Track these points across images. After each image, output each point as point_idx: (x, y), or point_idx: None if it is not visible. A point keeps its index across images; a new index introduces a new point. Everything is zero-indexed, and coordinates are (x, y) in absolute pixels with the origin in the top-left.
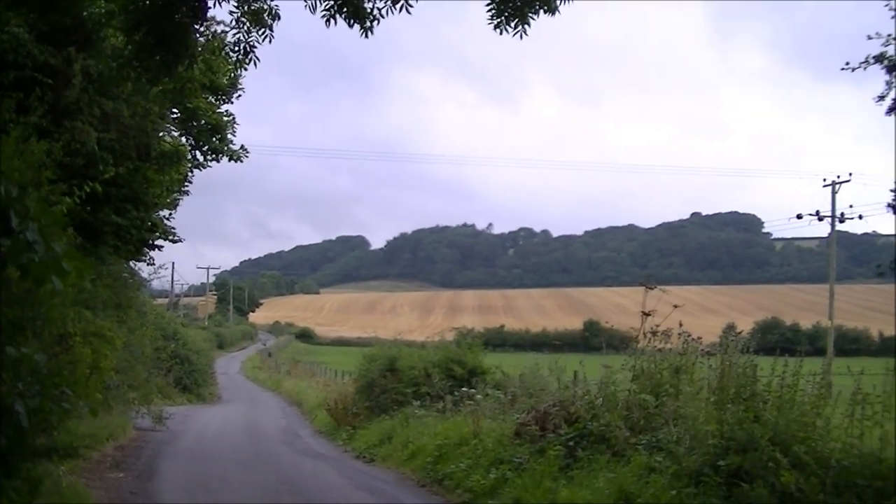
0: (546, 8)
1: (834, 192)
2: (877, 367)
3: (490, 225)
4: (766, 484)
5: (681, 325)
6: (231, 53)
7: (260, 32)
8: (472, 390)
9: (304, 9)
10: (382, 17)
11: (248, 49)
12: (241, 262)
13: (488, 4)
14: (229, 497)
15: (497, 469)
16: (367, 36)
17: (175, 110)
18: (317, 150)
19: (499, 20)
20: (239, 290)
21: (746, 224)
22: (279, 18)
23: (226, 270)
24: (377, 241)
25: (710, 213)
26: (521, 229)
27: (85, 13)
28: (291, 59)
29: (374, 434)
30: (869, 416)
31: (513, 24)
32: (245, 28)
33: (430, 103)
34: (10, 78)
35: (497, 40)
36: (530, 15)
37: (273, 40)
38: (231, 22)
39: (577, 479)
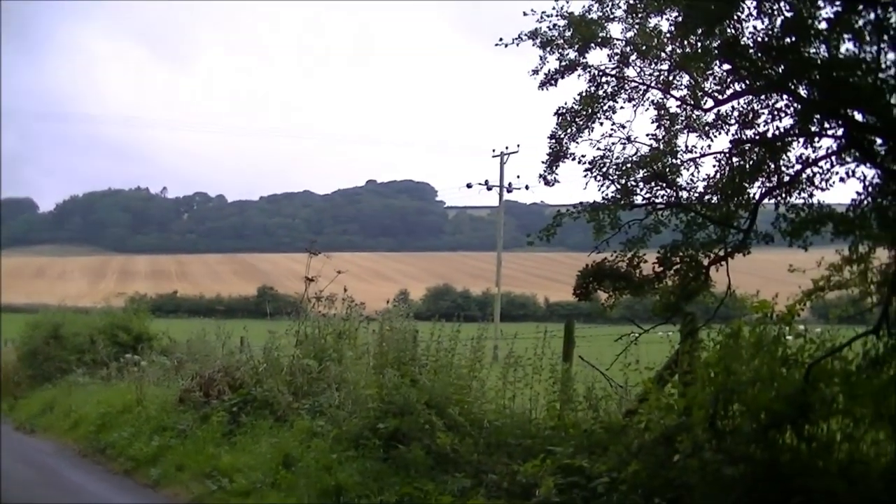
0: None
1: (502, 163)
2: (539, 331)
3: (164, 189)
4: (422, 445)
5: (345, 290)
6: None
7: None
8: (137, 356)
9: None
10: None
11: None
12: None
13: None
14: None
15: (160, 436)
16: None
17: None
18: None
19: None
20: None
21: (420, 192)
22: None
23: None
24: (46, 204)
25: (386, 181)
26: (197, 194)
27: None
28: None
29: (36, 404)
30: (521, 378)
31: None
32: None
33: (97, 61)
34: None
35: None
36: None
37: None
38: None
39: (241, 445)
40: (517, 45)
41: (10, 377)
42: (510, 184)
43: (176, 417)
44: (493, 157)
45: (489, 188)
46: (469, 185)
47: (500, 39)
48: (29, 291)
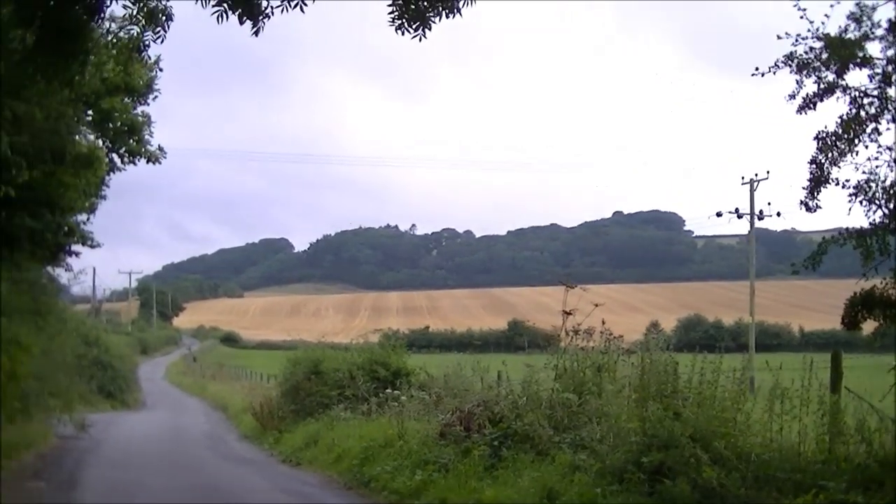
0: (448, 10)
1: (752, 190)
2: (797, 361)
3: (413, 226)
4: (688, 480)
5: (603, 323)
6: (123, 50)
7: (155, 31)
8: (397, 392)
9: (195, 4)
10: (271, 15)
11: (143, 47)
12: (163, 267)
13: (389, 6)
14: None
15: (423, 470)
16: (256, 34)
17: (90, 112)
18: (230, 152)
19: (399, 22)
20: (162, 294)
21: (668, 222)
22: (172, 20)
23: (148, 275)
24: (300, 244)
25: (632, 211)
26: (445, 230)
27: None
28: (195, 59)
29: (299, 437)
30: (788, 410)
31: (413, 27)
32: (140, 25)
33: (338, 101)
34: None
35: (400, 39)
36: (431, 18)
37: (165, 40)
38: (124, 16)
39: (502, 479)
40: (773, 73)
41: (274, 412)
42: (761, 211)
43: (437, 451)
44: (743, 184)
45: (739, 216)
46: (719, 214)
47: (757, 69)
48: (287, 328)
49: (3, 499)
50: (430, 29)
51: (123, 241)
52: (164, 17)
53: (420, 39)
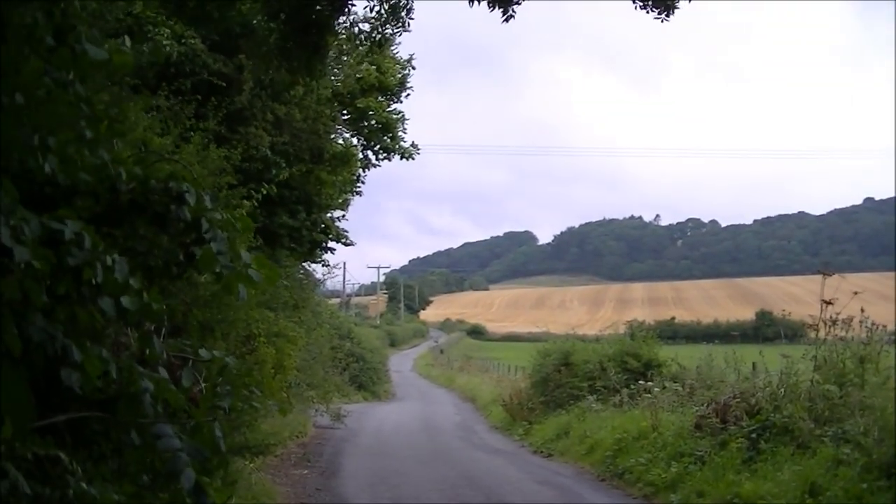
0: None
1: None
2: None
3: (657, 216)
4: None
5: (862, 311)
6: (364, 43)
7: (395, 25)
8: (650, 383)
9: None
10: (520, 2)
11: (383, 41)
12: (409, 261)
13: None
14: (411, 492)
15: (678, 462)
16: (507, 20)
17: (345, 111)
18: (469, 146)
19: (643, 3)
20: (409, 288)
21: None
22: (413, 12)
23: (395, 269)
24: (544, 236)
25: (885, 197)
26: (689, 220)
27: (255, 21)
28: (424, 50)
29: (550, 429)
30: None
31: (657, 10)
32: (381, 20)
33: (571, 91)
34: (187, 86)
35: (633, 26)
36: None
37: (404, 34)
38: (366, 11)
39: (761, 472)
40: None
41: (523, 403)
42: None
43: (693, 443)
44: None
45: None
46: None
47: None
48: (533, 320)
49: (271, 485)
50: (673, 13)
51: (368, 236)
52: (405, 12)
53: (662, 21)
